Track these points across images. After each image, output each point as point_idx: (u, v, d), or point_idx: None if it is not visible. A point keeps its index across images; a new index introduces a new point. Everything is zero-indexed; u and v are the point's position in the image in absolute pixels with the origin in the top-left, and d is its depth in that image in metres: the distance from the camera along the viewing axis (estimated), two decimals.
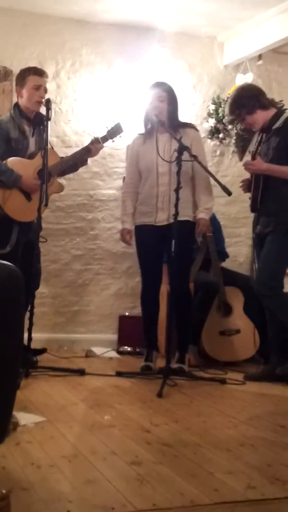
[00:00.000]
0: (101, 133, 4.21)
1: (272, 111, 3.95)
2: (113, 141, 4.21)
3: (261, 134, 3.99)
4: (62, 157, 4.14)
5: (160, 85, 4.16)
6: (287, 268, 3.97)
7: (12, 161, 3.93)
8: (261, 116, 3.91)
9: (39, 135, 4.05)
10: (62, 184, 4.28)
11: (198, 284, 4.49)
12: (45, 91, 4.04)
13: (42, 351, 4.29)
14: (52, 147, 4.12)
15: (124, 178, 4.79)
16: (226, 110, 4.09)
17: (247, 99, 3.90)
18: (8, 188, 3.91)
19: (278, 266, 3.89)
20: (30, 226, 4.01)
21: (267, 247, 3.90)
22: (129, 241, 4.21)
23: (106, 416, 3.04)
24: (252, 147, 4.06)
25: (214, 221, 4.85)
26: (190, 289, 4.25)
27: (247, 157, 4.21)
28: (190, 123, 4.33)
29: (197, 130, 4.25)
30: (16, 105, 4.07)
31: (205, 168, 3.93)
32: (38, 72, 4.04)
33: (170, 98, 4.10)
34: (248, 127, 4.06)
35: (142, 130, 4.22)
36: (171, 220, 3.88)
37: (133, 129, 4.55)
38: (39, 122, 4.00)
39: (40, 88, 4.00)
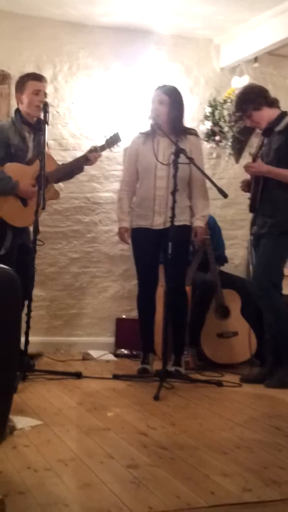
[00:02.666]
0: (99, 142, 4.23)
1: (277, 111, 3.96)
2: (111, 150, 4.23)
3: (263, 137, 4.01)
4: (59, 165, 4.14)
5: (162, 87, 4.11)
6: (282, 268, 3.98)
7: (10, 167, 3.93)
8: (267, 114, 3.92)
9: (37, 140, 4.05)
10: (59, 191, 4.28)
11: (196, 283, 4.51)
12: (45, 95, 4.05)
13: (38, 355, 4.28)
14: (51, 155, 4.13)
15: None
16: (233, 107, 4.09)
17: (255, 95, 3.93)
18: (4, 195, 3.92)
19: (272, 267, 3.90)
20: (24, 229, 4.02)
21: (262, 248, 3.93)
22: (127, 239, 4.20)
23: (109, 413, 3.04)
24: (251, 149, 4.07)
25: (213, 225, 4.87)
26: (187, 292, 4.25)
27: (249, 159, 4.23)
28: (192, 129, 4.26)
29: (198, 136, 4.23)
30: (17, 111, 4.08)
31: (201, 171, 3.92)
32: (37, 77, 4.06)
33: (172, 102, 4.04)
34: (253, 125, 4.05)
35: (143, 129, 4.21)
36: (168, 225, 3.89)
37: (130, 131, 4.56)
38: (39, 128, 4.00)
39: (40, 93, 4.01)
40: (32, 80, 4.02)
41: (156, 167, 4.03)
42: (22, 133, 4.01)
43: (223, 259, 4.92)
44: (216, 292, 4.55)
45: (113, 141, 4.17)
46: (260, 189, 3.92)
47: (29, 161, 4.01)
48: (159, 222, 4.06)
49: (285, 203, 3.87)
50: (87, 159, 4.16)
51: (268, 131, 3.94)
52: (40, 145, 3.94)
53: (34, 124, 4.05)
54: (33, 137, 4.07)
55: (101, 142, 4.22)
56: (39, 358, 4.29)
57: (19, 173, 3.94)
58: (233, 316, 4.60)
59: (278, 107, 4.02)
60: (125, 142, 4.58)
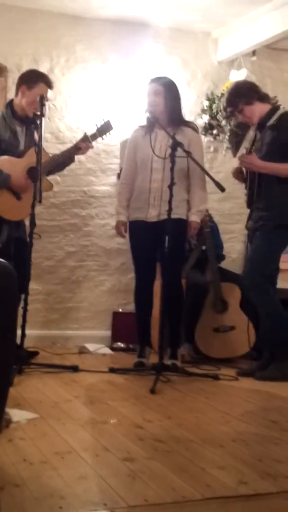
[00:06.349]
0: (91, 131, 4.17)
1: (268, 107, 3.96)
2: (102, 138, 4.16)
3: (255, 131, 4.01)
4: (50, 156, 4.10)
5: (157, 79, 4.10)
6: (275, 263, 3.98)
7: (1, 160, 3.90)
8: (258, 109, 3.91)
9: (29, 134, 4.01)
10: (52, 182, 4.25)
11: (188, 284, 4.49)
12: (46, 100, 3.98)
13: (34, 353, 4.26)
14: (42, 147, 4.09)
15: (118, 174, 4.80)
16: (224, 103, 4.07)
17: (246, 90, 3.94)
18: None
19: (265, 261, 3.91)
20: (20, 222, 4.00)
21: (256, 242, 3.94)
22: (123, 233, 4.20)
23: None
24: (246, 144, 4.08)
25: (211, 223, 4.85)
26: (183, 286, 4.25)
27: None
28: (191, 122, 4.25)
29: (196, 131, 4.18)
30: (10, 104, 4.01)
31: (199, 164, 3.92)
32: (49, 84, 3.96)
33: (168, 93, 4.04)
34: (245, 120, 4.04)
35: (142, 123, 4.19)
36: (162, 218, 3.89)
37: (128, 125, 4.55)
38: (32, 121, 3.96)
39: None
40: (44, 84, 3.92)
41: (152, 159, 4.03)
42: (13, 128, 3.95)
43: (219, 257, 4.91)
44: (209, 294, 4.52)
45: (104, 129, 4.07)
46: (255, 185, 3.93)
47: (20, 154, 3.97)
48: (153, 214, 4.05)
49: (280, 197, 3.88)
50: (78, 148, 4.09)
51: (260, 126, 3.94)
52: (33, 139, 3.90)
53: (26, 119, 4.00)
54: (25, 131, 4.02)
55: (92, 131, 4.13)
56: (35, 357, 4.25)
57: (10, 165, 3.90)
58: (231, 310, 4.58)
59: (269, 102, 4.02)
60: (122, 135, 4.57)
